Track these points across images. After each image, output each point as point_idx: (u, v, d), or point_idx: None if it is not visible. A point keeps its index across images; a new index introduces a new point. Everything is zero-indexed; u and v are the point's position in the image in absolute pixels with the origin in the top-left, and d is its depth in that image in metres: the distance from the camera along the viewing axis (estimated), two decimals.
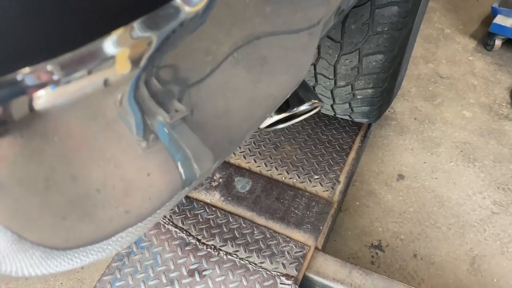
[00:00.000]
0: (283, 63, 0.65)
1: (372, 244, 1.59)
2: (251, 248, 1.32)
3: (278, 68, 0.64)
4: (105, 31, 0.32)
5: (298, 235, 1.36)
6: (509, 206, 1.70)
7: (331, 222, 1.46)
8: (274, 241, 1.34)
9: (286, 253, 1.31)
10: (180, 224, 1.38)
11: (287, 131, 1.75)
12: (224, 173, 1.55)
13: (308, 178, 1.56)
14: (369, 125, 1.81)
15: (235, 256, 1.30)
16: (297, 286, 1.23)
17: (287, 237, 1.35)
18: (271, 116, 0.93)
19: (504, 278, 1.49)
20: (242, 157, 1.64)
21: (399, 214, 1.68)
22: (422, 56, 2.50)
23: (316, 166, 1.61)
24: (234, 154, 1.65)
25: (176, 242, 1.33)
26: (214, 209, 1.43)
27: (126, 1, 0.33)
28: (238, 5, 0.46)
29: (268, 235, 1.35)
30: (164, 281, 1.24)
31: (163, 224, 1.37)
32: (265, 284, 1.23)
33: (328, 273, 1.28)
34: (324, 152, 1.67)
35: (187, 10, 0.36)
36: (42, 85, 0.31)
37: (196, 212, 1.42)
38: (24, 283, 1.47)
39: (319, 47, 1.33)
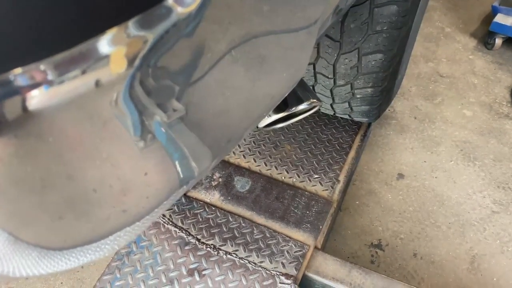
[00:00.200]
0: (280, 62, 0.64)
1: (372, 243, 1.58)
2: (250, 247, 1.32)
3: (275, 67, 0.64)
4: (99, 30, 0.32)
5: (298, 234, 1.36)
6: (509, 205, 1.70)
7: (331, 221, 1.46)
8: (274, 241, 1.33)
9: (285, 252, 1.31)
10: (179, 224, 1.38)
11: (286, 130, 1.75)
12: (223, 172, 1.55)
13: (308, 178, 1.56)
14: (369, 124, 1.81)
15: (234, 255, 1.30)
16: (296, 286, 1.23)
17: (287, 236, 1.35)
18: (270, 116, 0.93)
19: (504, 277, 1.49)
20: (242, 156, 1.64)
21: (399, 213, 1.67)
22: (422, 55, 2.49)
23: (316, 165, 1.61)
24: (234, 153, 1.65)
25: (176, 242, 1.33)
26: (213, 208, 1.43)
27: (118, 1, 0.33)
28: (233, 4, 0.46)
29: (267, 235, 1.35)
30: (164, 280, 1.24)
31: (162, 224, 1.37)
32: (265, 283, 1.23)
33: (328, 273, 1.28)
34: (324, 151, 1.67)
35: (180, 10, 0.36)
36: (35, 85, 0.30)
37: (195, 211, 1.42)
38: (25, 283, 1.48)
39: (318, 46, 1.33)
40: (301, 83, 0.99)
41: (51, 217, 0.41)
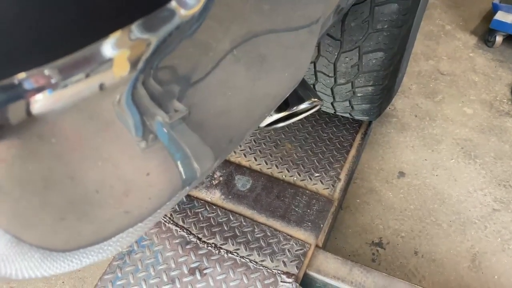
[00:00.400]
0: (282, 62, 0.64)
1: (373, 241, 1.59)
2: (251, 246, 1.32)
3: (277, 67, 0.63)
4: (103, 33, 0.31)
5: (299, 233, 1.36)
6: (510, 203, 1.70)
7: (332, 220, 1.46)
8: (275, 239, 1.34)
9: (286, 251, 1.31)
10: (180, 223, 1.38)
11: (287, 129, 1.75)
12: (224, 171, 1.55)
13: (309, 176, 1.56)
14: (370, 123, 1.81)
15: (235, 254, 1.30)
16: (297, 284, 1.23)
17: (288, 235, 1.35)
18: (271, 115, 0.93)
19: (505, 275, 1.49)
20: (243, 155, 1.64)
21: (400, 211, 1.68)
22: (422, 53, 2.49)
23: (317, 164, 1.61)
24: (235, 152, 1.65)
25: (177, 241, 1.33)
26: (214, 207, 1.43)
27: (121, 5, 0.33)
28: (235, 4, 0.45)
29: (268, 233, 1.35)
30: (165, 279, 1.24)
31: (163, 223, 1.37)
32: (266, 282, 1.23)
33: (329, 271, 1.28)
34: (325, 150, 1.67)
35: (183, 13, 0.36)
36: (39, 90, 0.30)
37: (196, 210, 1.42)
38: (26, 282, 1.48)
39: (318, 45, 1.33)
40: (302, 82, 0.99)
41: (54, 219, 0.41)
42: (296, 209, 1.43)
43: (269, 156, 1.64)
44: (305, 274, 1.28)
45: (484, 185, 1.77)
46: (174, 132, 0.46)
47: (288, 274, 1.25)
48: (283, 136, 1.72)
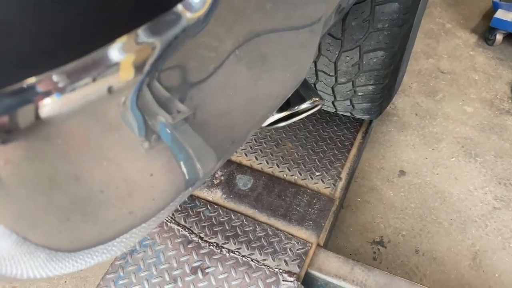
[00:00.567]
0: (284, 62, 0.65)
1: (374, 240, 1.59)
2: (253, 245, 1.32)
3: (280, 67, 0.64)
4: (109, 39, 0.32)
5: (300, 232, 1.37)
6: (511, 201, 1.71)
7: (333, 218, 1.47)
8: (276, 238, 1.34)
9: (288, 250, 1.31)
10: (182, 222, 1.38)
11: (288, 128, 1.75)
12: (225, 170, 1.55)
13: (310, 175, 1.57)
14: (370, 122, 1.81)
15: (237, 253, 1.30)
16: (299, 283, 1.23)
17: (289, 234, 1.35)
18: (273, 115, 0.93)
19: (505, 273, 1.49)
20: (244, 154, 1.64)
21: (401, 210, 1.68)
22: (423, 52, 2.49)
23: (318, 163, 1.61)
24: (236, 151, 1.65)
25: (179, 240, 1.33)
26: (216, 207, 1.43)
27: (128, 9, 0.33)
28: (238, 4, 0.46)
29: (270, 233, 1.36)
30: (167, 279, 1.25)
31: (165, 222, 1.38)
32: (268, 281, 1.24)
33: (330, 270, 1.28)
34: (326, 149, 1.67)
35: (189, 16, 0.36)
36: (48, 94, 0.31)
37: (198, 210, 1.42)
38: (28, 282, 1.48)
39: (319, 45, 1.33)
40: (303, 82, 0.99)
41: (59, 219, 0.41)
42: (298, 208, 1.43)
43: (270, 156, 1.64)
44: (307, 273, 1.28)
45: (484, 184, 1.77)
46: (177, 133, 0.46)
47: (290, 273, 1.25)
48: (284, 136, 1.72)
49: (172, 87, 0.41)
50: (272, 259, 1.29)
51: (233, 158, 1.62)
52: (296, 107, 0.95)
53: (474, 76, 2.32)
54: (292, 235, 1.35)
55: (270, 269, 1.26)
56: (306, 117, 1.07)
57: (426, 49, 2.51)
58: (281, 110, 0.94)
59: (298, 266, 1.27)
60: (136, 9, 0.34)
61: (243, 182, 1.52)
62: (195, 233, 1.35)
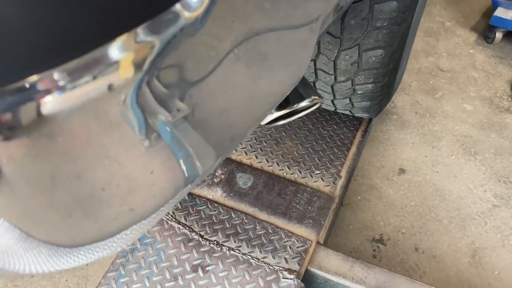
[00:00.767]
0: (283, 60, 0.65)
1: (373, 238, 1.60)
2: (253, 243, 1.33)
3: (278, 65, 0.64)
4: (109, 37, 0.33)
5: (300, 230, 1.37)
6: (510, 199, 1.71)
7: (333, 216, 1.48)
8: (276, 236, 1.35)
9: (288, 248, 1.32)
10: (183, 221, 1.39)
11: (288, 126, 1.75)
12: (226, 169, 1.56)
13: (310, 173, 1.57)
14: (370, 120, 1.82)
15: (237, 251, 1.31)
16: (299, 281, 1.24)
17: (289, 232, 1.36)
18: (272, 113, 0.94)
19: (505, 270, 1.50)
20: (244, 153, 1.65)
21: (401, 208, 1.69)
22: (422, 50, 2.50)
23: (317, 161, 1.62)
24: (236, 150, 1.66)
25: (179, 238, 1.34)
26: (216, 205, 1.44)
27: (127, 9, 0.34)
28: (236, 3, 0.46)
29: (270, 230, 1.36)
30: (168, 277, 1.26)
31: (166, 221, 1.39)
32: (268, 278, 1.25)
33: (330, 267, 1.29)
34: (325, 147, 1.68)
35: (187, 15, 0.37)
36: (49, 91, 0.32)
37: (198, 208, 1.43)
38: (30, 280, 1.49)
39: (318, 43, 1.33)
40: (302, 80, 0.99)
41: (61, 215, 0.42)
42: (297, 206, 1.44)
43: (270, 154, 1.65)
44: (307, 271, 1.29)
45: (484, 181, 1.78)
46: (177, 131, 0.47)
47: (290, 271, 1.26)
48: (284, 134, 1.73)
49: (171, 85, 0.42)
50: (272, 257, 1.30)
51: (233, 156, 1.63)
52: (295, 105, 0.95)
53: (474, 74, 2.32)
54: (292, 233, 1.36)
55: (270, 267, 1.27)
56: (305, 115, 1.07)
57: (426, 47, 2.52)
58: (280, 108, 0.95)
59: (298, 263, 1.28)
60: (135, 9, 0.34)
61: (243, 180, 1.53)
62: (195, 231, 1.36)
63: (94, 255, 0.51)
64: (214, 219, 1.40)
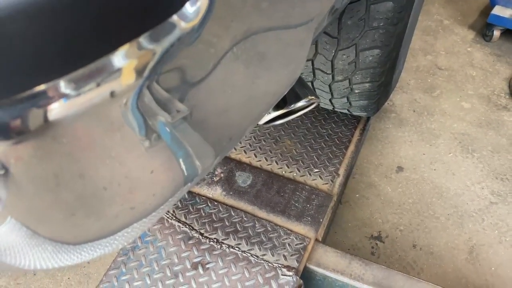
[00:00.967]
0: (279, 60, 0.67)
1: (372, 235, 1.61)
2: (253, 241, 1.35)
3: (274, 65, 0.66)
4: (110, 48, 0.35)
5: (299, 227, 1.39)
6: (507, 196, 1.73)
7: (331, 214, 1.49)
8: (275, 234, 1.36)
9: (287, 245, 1.33)
10: (183, 219, 1.41)
11: (286, 125, 1.77)
12: (225, 168, 1.58)
13: (308, 172, 1.59)
14: (368, 118, 1.83)
15: (237, 249, 1.33)
16: (298, 277, 1.26)
17: (288, 229, 1.38)
18: (270, 113, 0.95)
19: (502, 266, 1.52)
20: (243, 152, 1.66)
21: (399, 205, 1.70)
22: (420, 48, 2.51)
23: (316, 159, 1.64)
24: (235, 149, 1.67)
25: (180, 236, 1.36)
26: (216, 203, 1.46)
27: (127, 22, 0.36)
28: (234, 4, 0.48)
29: (269, 228, 1.38)
30: (169, 274, 1.27)
31: (166, 219, 1.40)
32: (267, 275, 1.26)
33: (328, 264, 1.31)
34: (324, 145, 1.69)
35: (184, 25, 0.39)
36: (55, 99, 0.34)
37: (198, 206, 1.45)
38: (32, 279, 1.51)
39: (316, 43, 1.35)
40: (299, 80, 1.01)
41: (65, 214, 0.44)
42: (296, 204, 1.45)
43: (269, 153, 1.66)
44: (305, 268, 1.31)
45: (481, 179, 1.79)
46: (176, 131, 0.48)
47: (289, 268, 1.27)
48: (283, 133, 1.74)
49: (170, 88, 0.43)
50: (271, 254, 1.32)
51: (233, 155, 1.64)
52: (292, 105, 0.97)
53: (472, 72, 2.34)
54: (291, 230, 1.38)
55: (269, 264, 1.29)
56: (304, 114, 1.09)
57: (424, 45, 2.53)
58: (278, 108, 0.96)
59: (297, 260, 1.30)
60: (136, 20, 0.36)
61: (243, 179, 1.54)
62: (195, 230, 1.38)
63: (96, 252, 0.52)
64: (214, 217, 1.41)
